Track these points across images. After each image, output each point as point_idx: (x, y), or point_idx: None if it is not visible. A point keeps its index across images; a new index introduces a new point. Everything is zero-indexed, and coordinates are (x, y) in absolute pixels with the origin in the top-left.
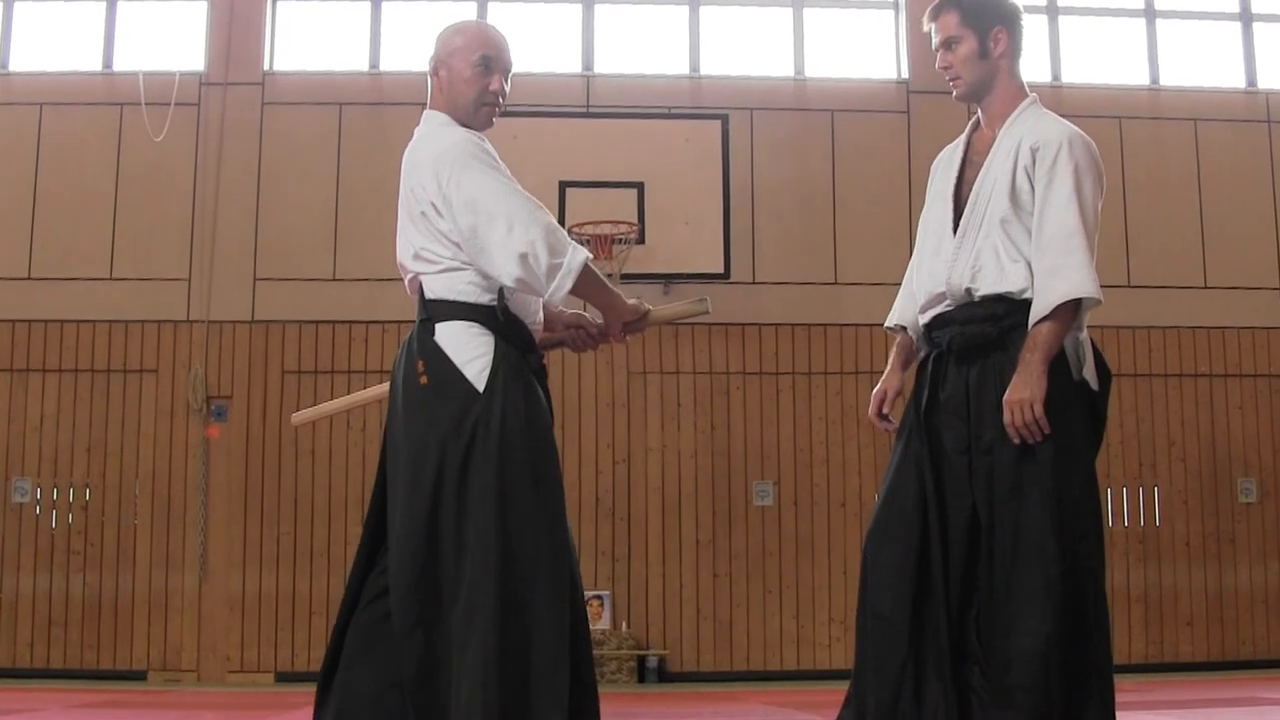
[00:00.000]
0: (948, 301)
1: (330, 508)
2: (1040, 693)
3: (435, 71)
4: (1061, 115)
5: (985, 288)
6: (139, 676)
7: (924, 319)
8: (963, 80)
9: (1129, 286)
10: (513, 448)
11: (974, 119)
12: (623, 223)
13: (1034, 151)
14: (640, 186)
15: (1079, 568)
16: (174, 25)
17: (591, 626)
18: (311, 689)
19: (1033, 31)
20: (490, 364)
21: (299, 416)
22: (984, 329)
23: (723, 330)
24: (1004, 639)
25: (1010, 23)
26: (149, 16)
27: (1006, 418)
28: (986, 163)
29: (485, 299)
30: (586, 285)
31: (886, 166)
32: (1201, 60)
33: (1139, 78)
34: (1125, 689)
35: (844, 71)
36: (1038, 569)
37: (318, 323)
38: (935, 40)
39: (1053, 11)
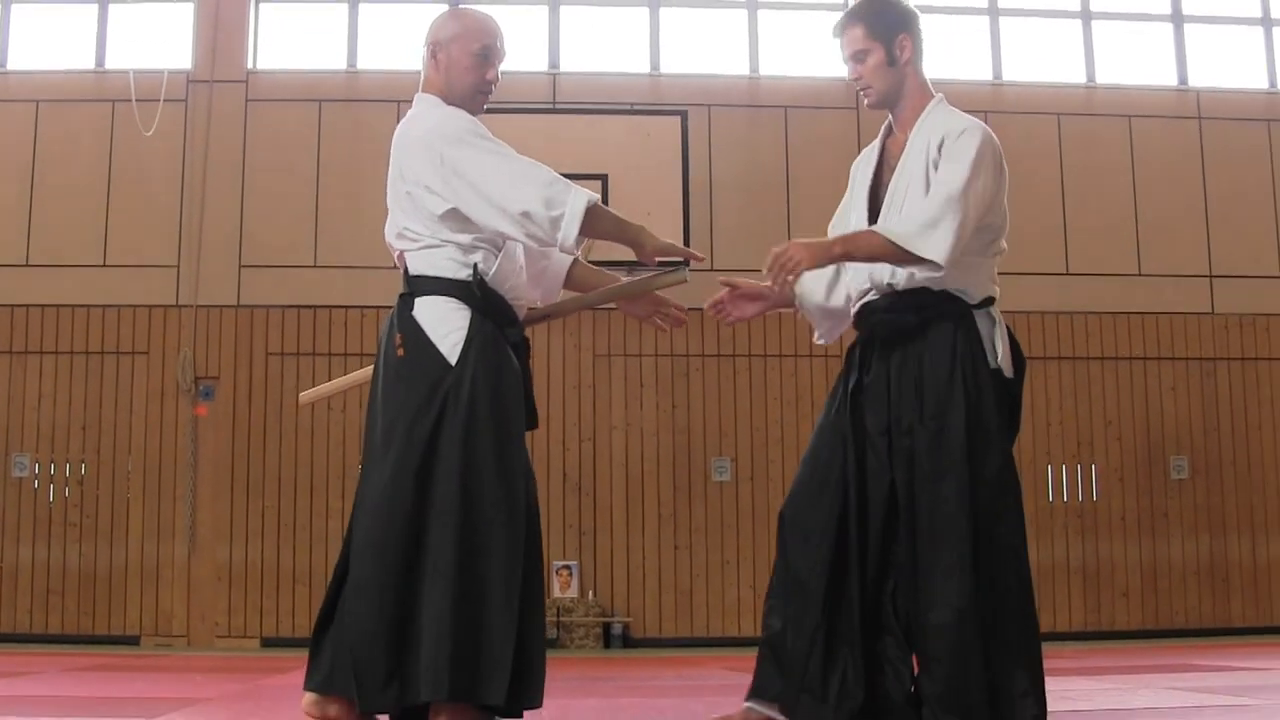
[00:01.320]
0: (873, 292)
1: (312, 483)
2: (956, 664)
3: (433, 55)
4: (1002, 112)
5: (905, 281)
6: (132, 641)
7: (854, 309)
8: (874, 90)
9: (1067, 274)
10: (480, 420)
11: (885, 124)
12: None
13: (942, 143)
14: (604, 179)
15: (996, 546)
16: (162, 26)
17: (560, 595)
18: (295, 653)
19: (975, 32)
20: (464, 338)
21: (306, 395)
22: (905, 318)
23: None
24: (923, 614)
25: (912, 28)
26: (139, 18)
27: (776, 250)
28: (900, 164)
29: (463, 274)
30: (598, 226)
31: (837, 160)
32: (1135, 60)
33: (1076, 76)
34: (1064, 656)
35: (797, 70)
36: (952, 547)
37: (300, 307)
38: (844, 54)
39: (993, 13)
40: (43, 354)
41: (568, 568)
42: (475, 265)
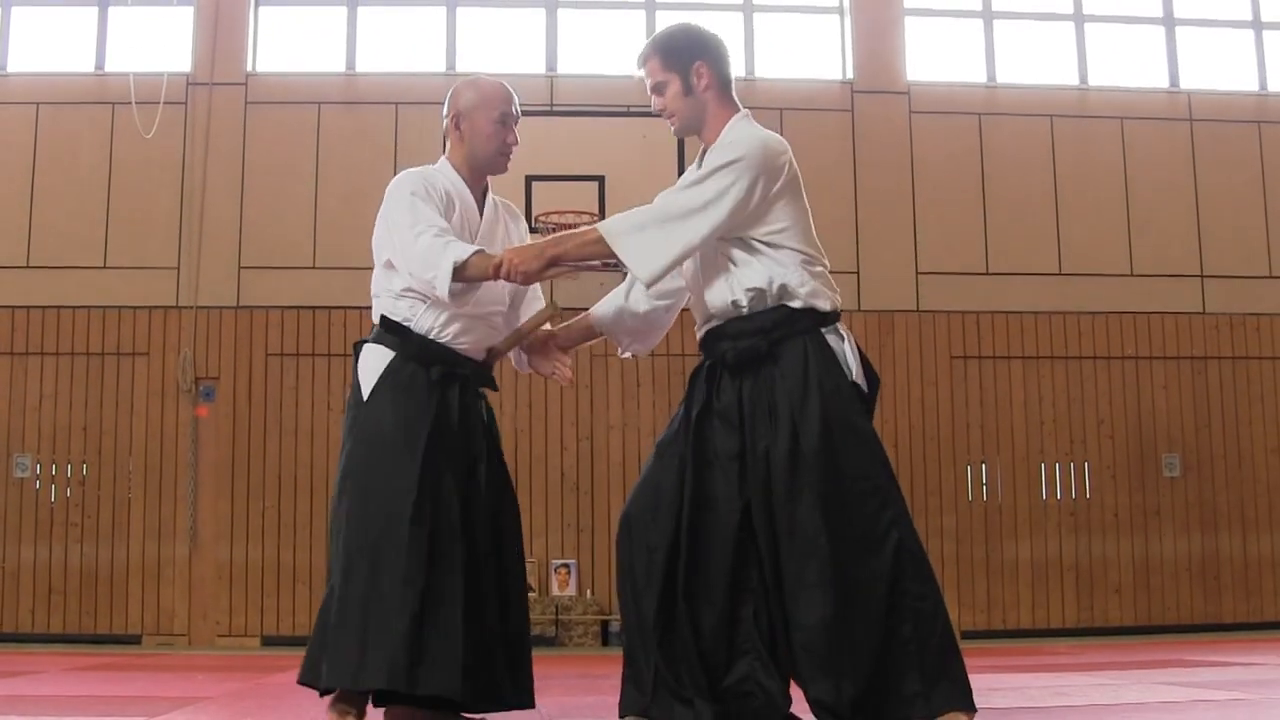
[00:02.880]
0: (716, 319)
1: (312, 483)
2: (828, 677)
3: (455, 125)
4: (996, 114)
5: (751, 304)
6: (134, 640)
7: (700, 333)
8: (676, 117)
9: (1060, 274)
10: (376, 447)
11: (700, 150)
12: (585, 212)
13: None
14: (601, 179)
15: (873, 557)
16: (162, 29)
17: (559, 593)
18: (296, 652)
19: (969, 35)
20: (378, 378)
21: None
22: (755, 343)
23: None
24: (795, 632)
25: (710, 55)
26: (138, 21)
27: (496, 260)
28: None
29: (393, 319)
30: (473, 275)
31: (832, 161)
32: (1127, 62)
33: (1069, 78)
34: (1057, 652)
35: (792, 72)
36: (813, 567)
37: (299, 308)
38: (647, 86)
39: (988, 17)
40: (43, 355)
41: (566, 566)
42: (400, 312)
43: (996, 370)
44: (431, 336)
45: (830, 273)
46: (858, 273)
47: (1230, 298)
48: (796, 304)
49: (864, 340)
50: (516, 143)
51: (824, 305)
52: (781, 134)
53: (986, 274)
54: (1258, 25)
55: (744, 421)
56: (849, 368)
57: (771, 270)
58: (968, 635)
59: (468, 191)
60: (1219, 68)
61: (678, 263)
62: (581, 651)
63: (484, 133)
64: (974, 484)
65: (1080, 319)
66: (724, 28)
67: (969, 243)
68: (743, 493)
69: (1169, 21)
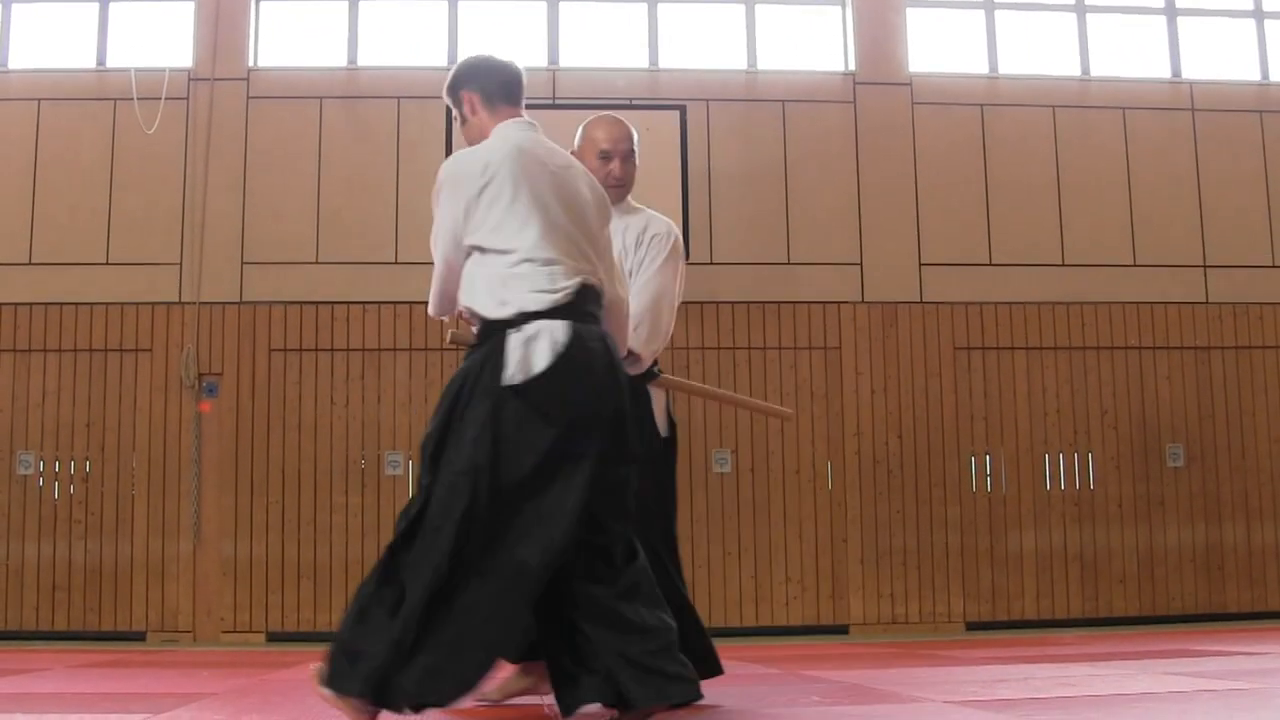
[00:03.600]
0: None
1: (316, 478)
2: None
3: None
4: (997, 105)
5: (468, 316)
6: (138, 637)
7: None
8: (467, 144)
9: (1062, 265)
10: None
11: None
12: None
13: None
14: None
15: (508, 554)
16: (163, 24)
17: None
18: (301, 648)
19: (971, 27)
20: None
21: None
22: (473, 347)
23: (683, 308)
24: None
25: (470, 80)
26: (139, 16)
27: None
28: None
29: None
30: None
31: (834, 153)
32: (1129, 52)
33: (1070, 69)
34: (1063, 642)
35: (794, 64)
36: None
37: (302, 303)
38: None
39: (989, 7)
40: (46, 352)
41: None
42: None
43: (1000, 361)
44: None
45: (833, 264)
46: (860, 264)
47: (1233, 287)
48: (490, 316)
49: (867, 331)
50: (621, 174)
51: (508, 313)
52: (784, 127)
53: (989, 265)
54: (1259, 15)
55: None
56: (511, 367)
57: (475, 284)
58: (973, 626)
59: None
60: (1221, 58)
61: (442, 291)
62: None
63: (590, 167)
64: (978, 475)
65: (1083, 309)
66: (725, 20)
67: (972, 233)
68: None
69: (1170, 11)
